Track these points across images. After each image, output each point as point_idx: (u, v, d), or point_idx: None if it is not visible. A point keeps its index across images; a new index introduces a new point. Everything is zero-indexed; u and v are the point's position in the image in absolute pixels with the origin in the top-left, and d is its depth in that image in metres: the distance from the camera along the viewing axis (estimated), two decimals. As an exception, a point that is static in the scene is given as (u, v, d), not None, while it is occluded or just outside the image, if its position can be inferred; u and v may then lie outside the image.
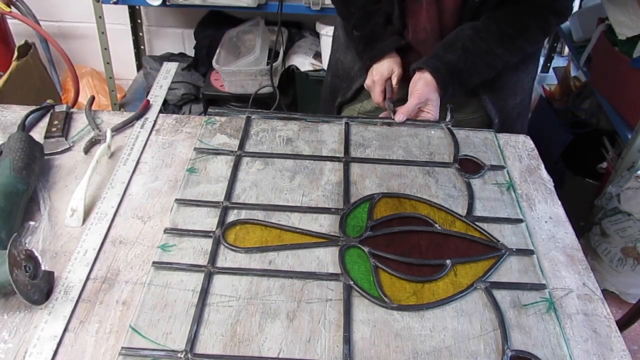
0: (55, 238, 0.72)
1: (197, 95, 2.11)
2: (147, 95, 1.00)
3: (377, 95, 1.07)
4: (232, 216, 0.77)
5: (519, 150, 0.93)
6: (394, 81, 1.06)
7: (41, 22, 1.95)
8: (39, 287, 0.63)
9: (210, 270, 0.68)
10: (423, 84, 0.99)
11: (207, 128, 0.93)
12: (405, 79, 1.07)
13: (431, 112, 1.00)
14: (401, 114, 0.97)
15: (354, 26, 1.09)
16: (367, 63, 1.09)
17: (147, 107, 0.96)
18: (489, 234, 0.76)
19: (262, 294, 0.66)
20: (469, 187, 0.83)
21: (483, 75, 1.04)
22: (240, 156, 0.87)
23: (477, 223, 0.77)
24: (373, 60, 1.07)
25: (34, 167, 0.78)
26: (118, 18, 2.24)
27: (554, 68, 2.35)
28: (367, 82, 1.10)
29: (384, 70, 1.06)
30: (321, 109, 1.34)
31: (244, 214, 0.77)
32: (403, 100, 1.02)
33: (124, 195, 0.79)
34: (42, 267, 0.66)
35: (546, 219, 0.80)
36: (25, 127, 0.89)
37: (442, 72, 0.99)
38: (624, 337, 0.64)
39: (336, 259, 0.71)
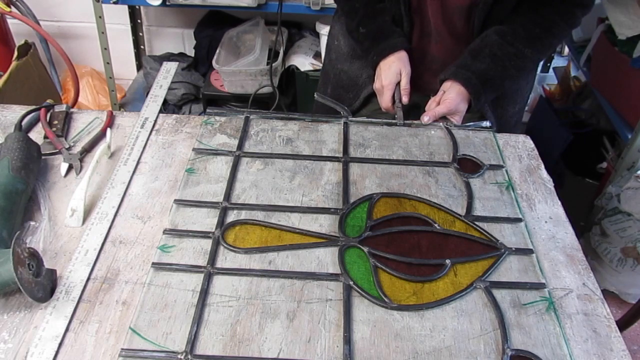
0: (55, 238, 0.72)
1: (197, 95, 2.11)
2: (147, 95, 0.99)
3: (386, 100, 1.06)
4: (232, 216, 0.77)
5: (518, 150, 0.93)
6: (404, 82, 1.05)
7: (41, 22, 1.95)
8: (42, 284, 0.63)
9: (209, 271, 0.68)
10: (455, 94, 0.99)
11: (207, 128, 0.93)
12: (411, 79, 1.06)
13: (456, 120, 1.00)
14: (428, 116, 0.97)
15: (359, 23, 1.08)
16: (374, 59, 1.07)
17: (109, 124, 0.92)
18: (488, 233, 0.76)
19: (262, 294, 0.66)
20: (469, 186, 0.83)
21: (514, 78, 1.03)
22: (240, 156, 0.87)
23: (476, 223, 0.77)
24: (381, 56, 1.06)
25: (32, 166, 0.78)
26: (118, 18, 2.24)
27: (554, 68, 2.35)
28: (376, 85, 1.08)
29: (393, 73, 1.05)
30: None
31: (243, 214, 0.77)
32: (413, 104, 1.01)
33: (124, 195, 0.79)
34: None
35: (546, 219, 0.80)
36: (21, 127, 0.88)
37: (474, 82, 0.98)
38: (624, 337, 0.64)
39: (336, 259, 0.71)
